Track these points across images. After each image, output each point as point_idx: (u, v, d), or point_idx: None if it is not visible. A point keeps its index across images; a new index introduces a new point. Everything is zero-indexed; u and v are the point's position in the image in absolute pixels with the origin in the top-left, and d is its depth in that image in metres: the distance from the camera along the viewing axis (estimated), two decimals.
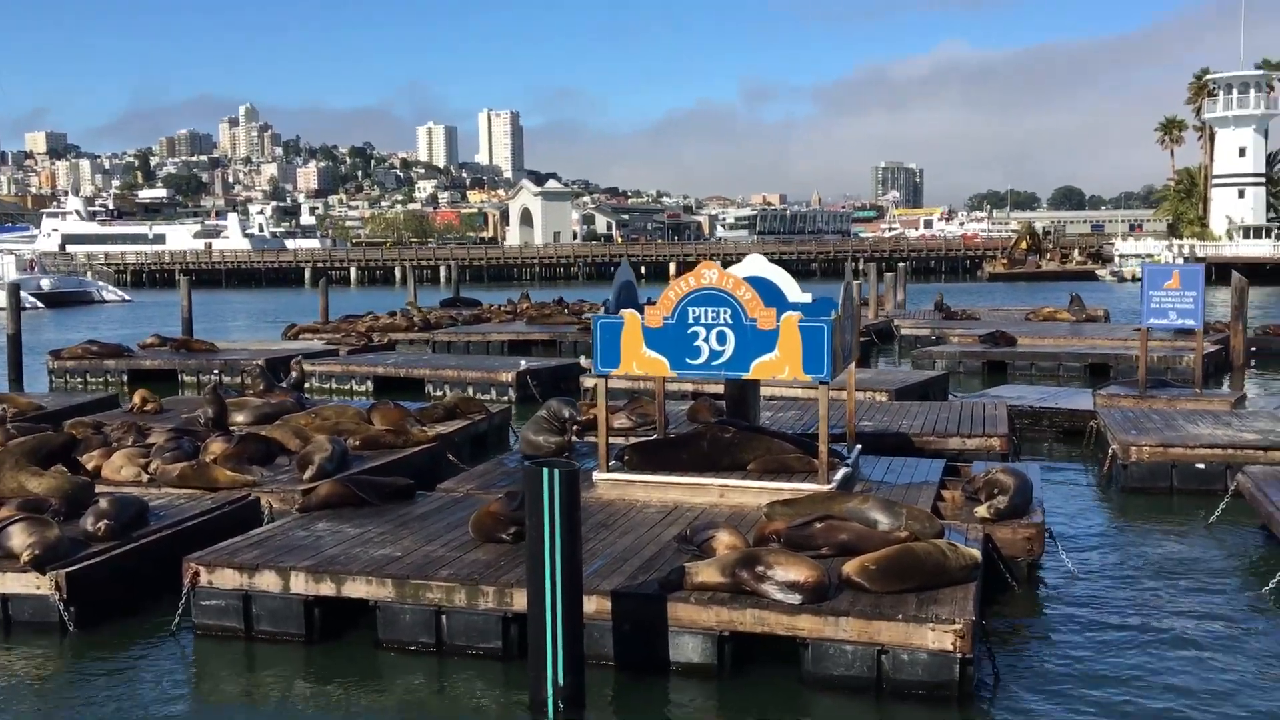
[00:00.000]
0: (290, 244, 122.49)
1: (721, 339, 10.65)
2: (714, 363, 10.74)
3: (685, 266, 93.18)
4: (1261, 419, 15.33)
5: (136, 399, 17.28)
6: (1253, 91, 78.51)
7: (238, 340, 32.76)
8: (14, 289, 29.87)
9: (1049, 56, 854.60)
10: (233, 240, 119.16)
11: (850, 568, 8.00)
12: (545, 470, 7.23)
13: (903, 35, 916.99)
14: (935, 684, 7.43)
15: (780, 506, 9.60)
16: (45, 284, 63.93)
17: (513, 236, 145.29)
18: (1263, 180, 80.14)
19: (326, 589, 8.66)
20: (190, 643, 8.84)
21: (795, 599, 7.68)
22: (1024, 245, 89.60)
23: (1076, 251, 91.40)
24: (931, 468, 12.31)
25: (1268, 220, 78.91)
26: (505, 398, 21.64)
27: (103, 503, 10.08)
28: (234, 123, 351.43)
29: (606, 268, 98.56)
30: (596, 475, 11.13)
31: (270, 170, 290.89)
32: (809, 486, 10.41)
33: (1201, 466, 13.56)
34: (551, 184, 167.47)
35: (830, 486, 10.43)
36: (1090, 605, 9.57)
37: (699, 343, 10.73)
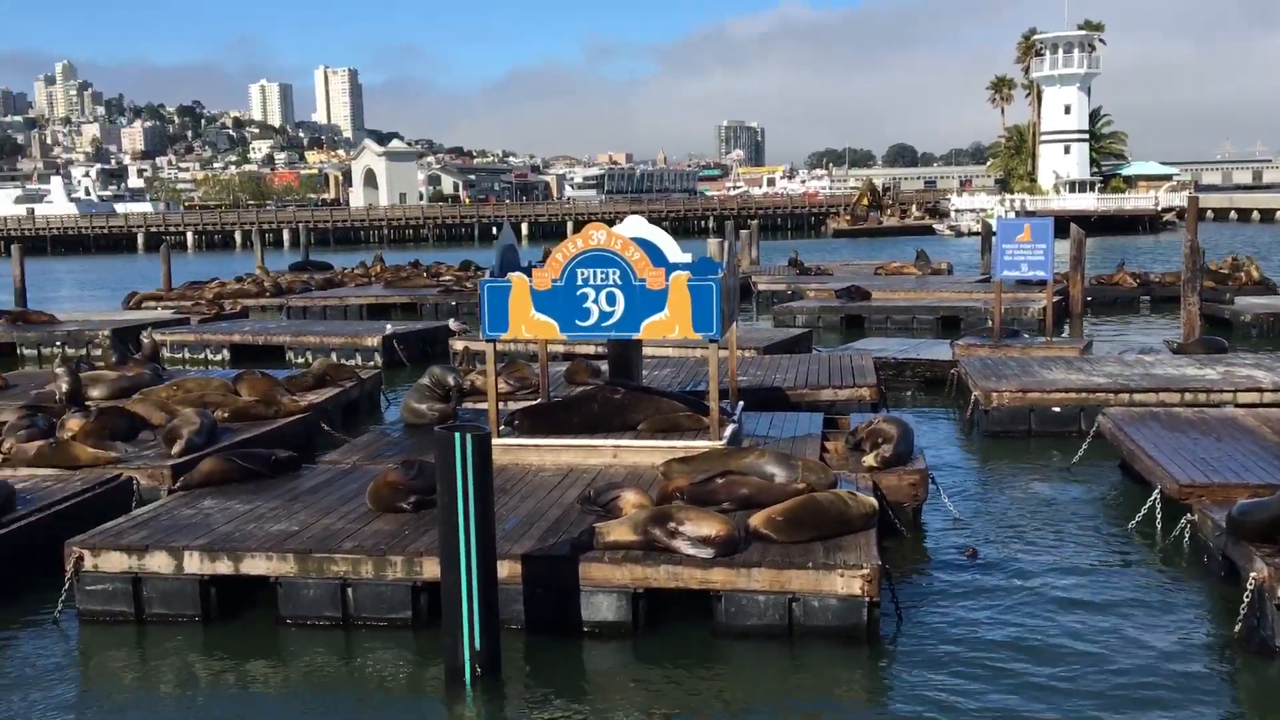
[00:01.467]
0: (120, 208, 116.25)
1: (611, 300, 10.67)
2: (604, 324, 10.75)
3: (538, 227, 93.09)
4: (1109, 364, 16.27)
5: None
6: (1076, 51, 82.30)
7: (75, 310, 31.10)
8: None
9: (882, 15, 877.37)
10: (57, 205, 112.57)
11: (758, 520, 8.19)
12: (458, 436, 7.15)
13: None
14: (845, 628, 7.70)
15: (678, 464, 9.74)
16: None
17: (356, 198, 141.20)
18: (1086, 136, 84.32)
19: (224, 567, 8.38)
20: (75, 631, 8.44)
21: (708, 553, 7.82)
22: (865, 202, 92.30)
23: (914, 207, 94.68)
24: (812, 420, 12.65)
25: (1090, 175, 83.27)
26: (371, 363, 21.21)
27: None
28: (50, 80, 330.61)
29: (456, 229, 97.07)
30: None
31: (92, 131, 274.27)
32: (701, 444, 10.57)
33: (1058, 410, 14.33)
34: (395, 144, 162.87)
35: (722, 443, 10.62)
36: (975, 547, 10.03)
37: (588, 304, 10.71)
